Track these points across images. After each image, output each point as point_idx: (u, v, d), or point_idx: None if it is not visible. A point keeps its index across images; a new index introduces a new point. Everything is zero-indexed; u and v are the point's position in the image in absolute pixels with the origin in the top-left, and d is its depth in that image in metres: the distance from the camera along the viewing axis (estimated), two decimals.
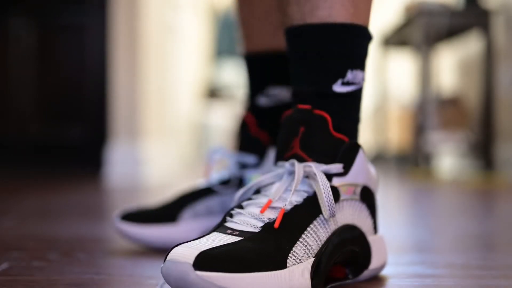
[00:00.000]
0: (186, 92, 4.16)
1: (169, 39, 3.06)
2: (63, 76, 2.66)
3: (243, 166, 0.83)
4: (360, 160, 0.62)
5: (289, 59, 0.65)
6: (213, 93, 5.14)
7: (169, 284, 0.51)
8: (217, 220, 0.82)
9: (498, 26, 2.87)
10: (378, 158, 3.74)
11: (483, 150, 2.78)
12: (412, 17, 2.92)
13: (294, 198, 0.58)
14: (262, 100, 0.85)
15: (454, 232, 1.03)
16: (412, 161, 2.93)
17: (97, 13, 2.62)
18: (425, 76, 2.83)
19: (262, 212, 0.56)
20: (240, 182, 0.82)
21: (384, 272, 0.67)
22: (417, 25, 2.83)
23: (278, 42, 0.82)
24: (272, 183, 0.60)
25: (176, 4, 3.36)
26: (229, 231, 0.55)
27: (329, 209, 0.57)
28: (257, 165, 0.83)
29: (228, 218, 0.57)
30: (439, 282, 0.63)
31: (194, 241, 0.53)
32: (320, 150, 0.60)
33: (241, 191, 0.61)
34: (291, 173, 0.59)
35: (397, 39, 3.33)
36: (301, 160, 0.60)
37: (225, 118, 4.96)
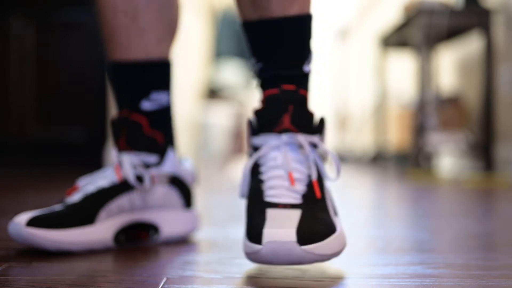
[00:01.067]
0: (186, 92, 4.16)
1: None
2: (64, 76, 2.66)
3: (146, 166, 0.87)
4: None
5: (261, 47, 0.76)
6: (213, 93, 5.14)
7: (274, 262, 0.62)
8: (127, 217, 0.84)
9: (498, 26, 2.87)
10: (378, 158, 3.74)
11: (483, 150, 2.78)
12: (412, 16, 2.92)
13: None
14: (146, 105, 0.89)
15: (454, 232, 1.03)
16: (412, 161, 2.93)
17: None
18: (425, 76, 2.83)
19: (292, 185, 0.68)
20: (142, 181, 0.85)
21: (384, 272, 0.67)
22: (417, 24, 2.83)
23: (161, 51, 0.89)
24: (267, 153, 0.72)
25: None
26: (281, 206, 0.66)
27: (338, 172, 0.73)
28: (158, 164, 0.88)
29: (265, 193, 0.68)
30: (439, 282, 0.63)
31: (273, 221, 0.64)
32: (303, 124, 0.73)
33: (250, 164, 0.72)
34: (288, 144, 0.72)
35: (396, 38, 3.33)
36: (290, 133, 0.72)
37: (225, 118, 4.96)
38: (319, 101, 5.32)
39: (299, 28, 0.76)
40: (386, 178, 2.63)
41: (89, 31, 2.64)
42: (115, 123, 0.87)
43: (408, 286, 0.61)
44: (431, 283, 0.62)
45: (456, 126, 2.87)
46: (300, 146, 0.72)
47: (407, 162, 3.31)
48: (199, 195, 1.72)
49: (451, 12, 2.78)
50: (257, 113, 0.75)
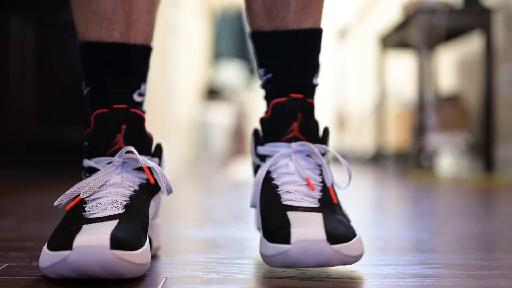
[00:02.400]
0: (187, 92, 4.16)
1: (169, 39, 3.06)
2: (64, 76, 2.66)
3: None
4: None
5: (273, 58, 0.76)
6: (213, 93, 5.14)
7: (302, 261, 0.61)
8: None
9: (498, 26, 2.87)
10: (377, 158, 3.74)
11: (483, 150, 2.78)
12: (411, 16, 2.92)
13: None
14: (138, 98, 0.77)
15: (454, 232, 1.03)
16: (412, 161, 2.93)
17: None
18: (425, 76, 2.82)
19: (313, 190, 0.68)
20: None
21: (384, 272, 0.67)
22: (416, 24, 2.83)
23: (151, 36, 0.79)
24: (278, 161, 0.72)
25: (176, 4, 3.36)
26: (301, 209, 0.66)
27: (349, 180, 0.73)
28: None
29: (282, 197, 0.68)
30: (439, 282, 0.63)
31: (299, 221, 0.63)
32: (311, 132, 0.73)
33: (262, 172, 0.71)
34: (298, 152, 0.72)
35: (396, 38, 3.33)
36: (300, 141, 0.72)
37: (225, 118, 4.96)
38: (319, 101, 5.32)
39: (312, 41, 0.76)
40: (386, 178, 2.63)
41: None
42: (107, 117, 0.72)
43: (408, 286, 0.61)
44: (431, 283, 0.62)
45: (456, 126, 2.87)
46: (309, 155, 0.72)
47: (407, 162, 3.31)
48: (199, 195, 1.71)
49: (451, 11, 2.77)
50: (264, 121, 0.74)
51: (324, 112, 5.11)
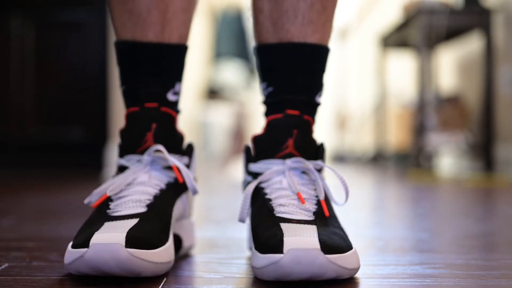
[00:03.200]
0: (187, 92, 4.16)
1: None
2: (64, 76, 2.66)
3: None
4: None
5: (276, 71, 0.74)
6: (213, 93, 5.14)
7: (295, 272, 0.58)
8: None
9: (498, 26, 2.87)
10: (378, 158, 3.74)
11: (483, 150, 2.78)
12: (411, 16, 2.92)
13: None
14: (172, 97, 0.77)
15: (454, 232, 1.03)
16: (412, 161, 2.93)
17: (97, 12, 2.62)
18: (425, 76, 2.83)
19: (303, 203, 0.67)
20: None
21: (384, 272, 0.67)
22: (416, 24, 2.83)
23: (188, 34, 0.79)
24: (271, 178, 0.70)
25: None
26: (294, 221, 0.64)
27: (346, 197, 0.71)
28: (188, 167, 0.77)
29: (275, 210, 0.66)
30: (439, 282, 0.63)
31: (292, 231, 0.61)
32: (306, 149, 0.72)
33: (252, 187, 0.70)
34: (293, 169, 0.70)
35: (396, 38, 3.33)
36: (295, 157, 0.71)
37: (225, 118, 4.96)
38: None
39: (317, 57, 0.75)
40: (386, 178, 2.63)
41: (89, 31, 2.64)
42: (138, 116, 0.73)
43: (408, 286, 0.61)
44: (431, 283, 0.62)
45: (456, 126, 2.87)
46: (304, 172, 0.71)
47: (407, 162, 3.31)
48: (199, 195, 1.71)
49: (451, 12, 2.77)
50: (258, 138, 0.73)
51: (324, 112, 5.11)
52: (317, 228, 0.63)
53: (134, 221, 0.63)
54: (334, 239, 0.61)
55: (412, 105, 3.27)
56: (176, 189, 0.73)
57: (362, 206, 1.52)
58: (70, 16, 2.67)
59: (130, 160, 0.72)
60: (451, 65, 3.58)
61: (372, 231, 1.06)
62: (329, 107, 4.82)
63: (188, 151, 0.77)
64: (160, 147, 0.71)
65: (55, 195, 1.70)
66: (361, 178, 2.65)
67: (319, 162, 0.72)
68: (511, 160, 2.73)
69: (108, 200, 0.68)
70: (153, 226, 0.64)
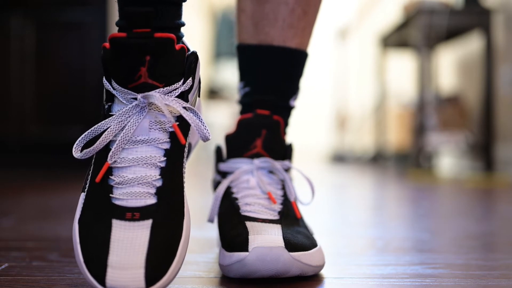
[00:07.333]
0: None
1: None
2: (63, 75, 2.66)
3: None
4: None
5: (253, 72, 0.76)
6: (213, 93, 5.14)
7: (259, 269, 0.58)
8: None
9: (498, 26, 2.87)
10: (378, 158, 3.74)
11: (483, 150, 2.78)
12: (411, 16, 2.92)
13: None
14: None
15: (454, 232, 1.03)
16: (412, 161, 2.93)
17: (98, 12, 2.62)
18: (425, 76, 2.83)
19: (275, 203, 0.68)
20: None
21: (384, 272, 0.67)
22: (416, 24, 2.83)
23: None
24: (240, 177, 0.71)
25: None
26: (260, 220, 0.65)
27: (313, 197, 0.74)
28: None
29: (241, 208, 0.67)
30: (439, 282, 0.63)
31: (256, 230, 0.62)
32: (275, 149, 0.72)
33: (224, 188, 0.71)
34: (261, 168, 0.71)
35: (396, 38, 3.33)
36: (263, 157, 0.72)
37: (225, 118, 4.96)
38: (319, 101, 5.32)
39: (295, 62, 0.76)
40: (386, 178, 2.63)
41: (89, 31, 2.64)
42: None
43: (408, 286, 0.61)
44: (431, 283, 0.62)
45: (456, 126, 2.87)
46: (271, 171, 0.72)
47: (407, 162, 3.31)
48: (199, 195, 1.71)
49: (451, 12, 2.78)
50: (228, 138, 0.74)
51: (324, 112, 5.11)
52: (282, 227, 0.64)
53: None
54: (298, 238, 0.62)
55: (412, 105, 3.27)
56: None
57: (362, 206, 1.52)
58: (70, 16, 2.67)
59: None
60: (451, 65, 3.58)
61: (372, 231, 1.06)
62: (329, 107, 4.82)
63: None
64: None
65: (55, 195, 1.70)
66: (361, 178, 2.65)
67: (286, 162, 0.73)
68: (511, 160, 2.73)
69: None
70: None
